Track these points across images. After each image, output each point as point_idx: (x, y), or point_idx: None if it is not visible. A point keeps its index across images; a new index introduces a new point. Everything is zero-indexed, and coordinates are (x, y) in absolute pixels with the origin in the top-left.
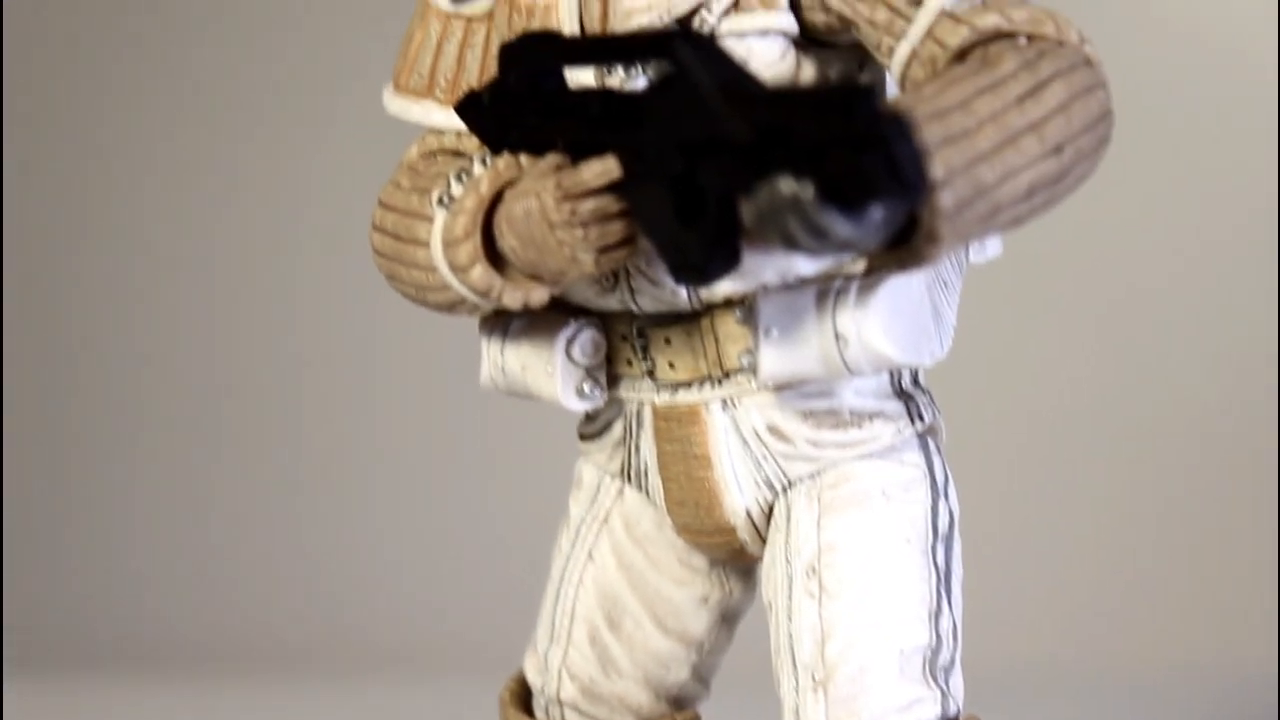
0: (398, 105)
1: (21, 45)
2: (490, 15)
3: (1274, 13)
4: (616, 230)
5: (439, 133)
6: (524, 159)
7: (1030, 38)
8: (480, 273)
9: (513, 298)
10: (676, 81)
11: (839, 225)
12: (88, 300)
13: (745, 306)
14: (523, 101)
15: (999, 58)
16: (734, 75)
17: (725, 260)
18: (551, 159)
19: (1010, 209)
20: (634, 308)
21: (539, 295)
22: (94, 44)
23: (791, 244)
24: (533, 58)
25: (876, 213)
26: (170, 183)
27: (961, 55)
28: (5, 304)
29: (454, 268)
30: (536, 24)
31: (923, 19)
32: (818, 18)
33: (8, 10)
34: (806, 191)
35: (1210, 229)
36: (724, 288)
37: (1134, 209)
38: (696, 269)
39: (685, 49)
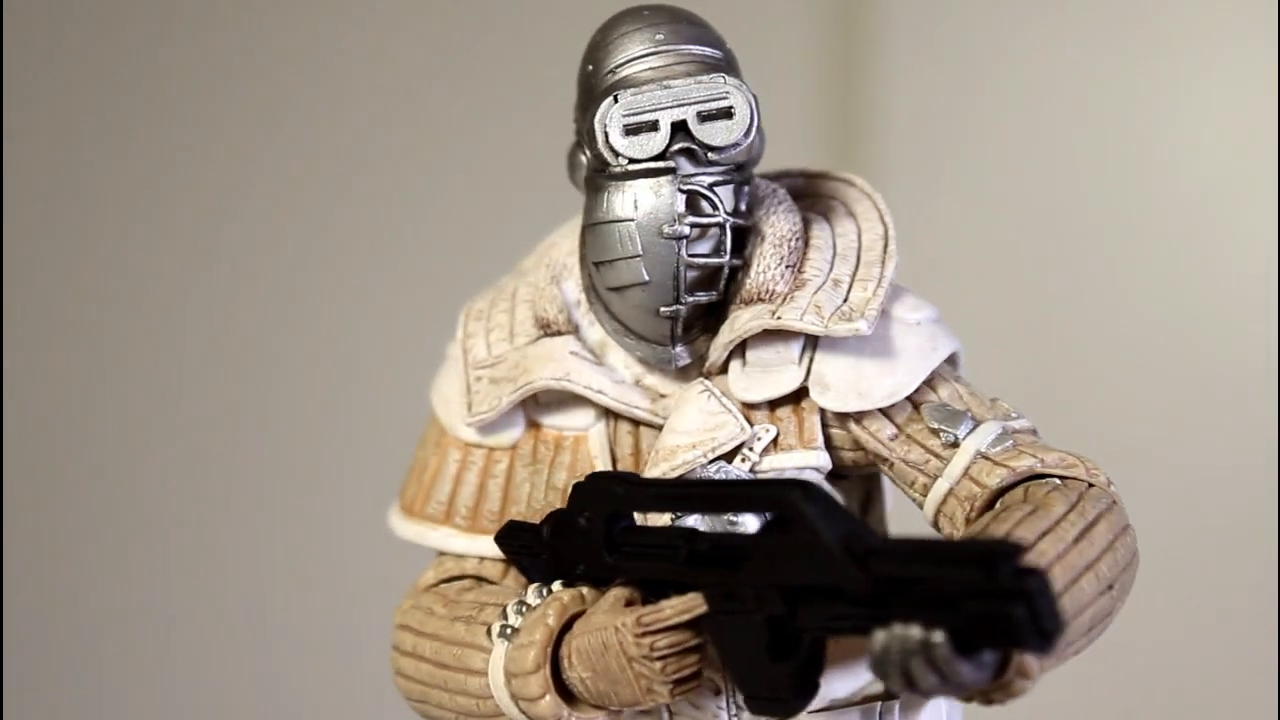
0: (411, 530)
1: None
2: (513, 447)
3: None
4: (691, 663)
5: (459, 558)
6: (585, 591)
7: (1063, 479)
8: (550, 702)
9: None
10: (792, 529)
11: (965, 670)
12: (89, 304)
13: None
14: (595, 539)
15: (1049, 500)
16: (851, 527)
17: (808, 694)
18: (619, 593)
19: (1076, 643)
20: None
21: None
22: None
23: (911, 685)
24: (606, 498)
25: (989, 656)
26: (172, 184)
27: (998, 493)
28: (5, 305)
29: (520, 698)
30: (566, 456)
31: (960, 460)
32: (848, 455)
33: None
34: (937, 638)
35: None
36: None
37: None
38: (781, 701)
39: (803, 501)
